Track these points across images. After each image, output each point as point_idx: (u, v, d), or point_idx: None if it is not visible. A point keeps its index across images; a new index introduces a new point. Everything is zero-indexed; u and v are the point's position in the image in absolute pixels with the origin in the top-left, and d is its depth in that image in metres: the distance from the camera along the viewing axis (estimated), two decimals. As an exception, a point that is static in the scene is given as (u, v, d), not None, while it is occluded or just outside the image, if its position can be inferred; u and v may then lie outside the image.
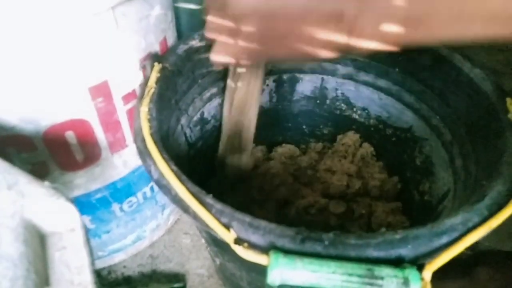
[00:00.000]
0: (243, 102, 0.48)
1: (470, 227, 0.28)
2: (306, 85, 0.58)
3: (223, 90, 0.52)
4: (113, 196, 0.49)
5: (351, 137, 0.60)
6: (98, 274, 0.57)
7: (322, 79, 0.56)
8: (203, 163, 0.52)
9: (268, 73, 0.55)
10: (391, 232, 0.27)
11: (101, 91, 0.39)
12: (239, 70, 0.44)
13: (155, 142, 0.32)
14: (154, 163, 0.31)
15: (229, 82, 0.47)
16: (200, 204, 0.28)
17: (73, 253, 0.26)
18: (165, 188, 0.30)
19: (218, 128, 0.55)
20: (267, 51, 0.29)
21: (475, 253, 0.48)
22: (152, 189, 0.54)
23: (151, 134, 0.33)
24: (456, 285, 0.45)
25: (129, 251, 0.59)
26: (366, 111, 0.57)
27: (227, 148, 0.52)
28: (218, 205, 0.27)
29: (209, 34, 0.31)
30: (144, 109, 0.35)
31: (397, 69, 0.50)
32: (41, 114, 0.37)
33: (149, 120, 0.34)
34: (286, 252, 0.26)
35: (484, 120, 0.39)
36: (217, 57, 0.32)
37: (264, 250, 0.26)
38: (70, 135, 0.40)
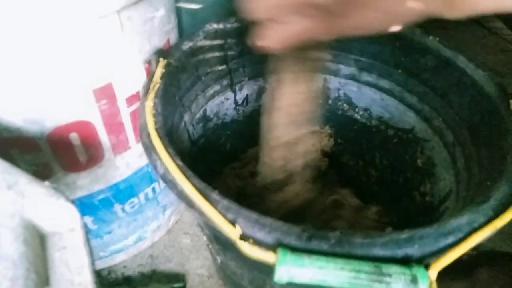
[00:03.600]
0: (293, 116, 0.35)
1: (475, 227, 0.28)
2: (309, 85, 0.58)
3: (225, 88, 0.52)
4: (116, 197, 0.49)
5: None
6: (98, 274, 0.57)
7: (325, 79, 0.56)
8: (205, 162, 0.51)
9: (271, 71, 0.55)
10: (398, 231, 0.27)
11: (105, 93, 0.39)
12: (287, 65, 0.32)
13: (161, 138, 0.32)
14: (160, 159, 0.30)
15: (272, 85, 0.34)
16: (206, 200, 0.28)
17: (73, 253, 0.26)
18: (171, 184, 0.29)
19: (220, 126, 0.55)
20: (336, 25, 0.23)
21: (476, 254, 0.48)
22: (153, 190, 0.54)
23: (156, 129, 0.33)
24: (458, 286, 0.45)
25: (130, 252, 0.59)
26: (368, 111, 0.57)
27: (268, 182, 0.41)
28: (224, 201, 0.27)
29: (252, 14, 0.25)
30: (149, 104, 0.35)
31: (400, 70, 0.50)
32: (46, 116, 0.37)
33: (154, 115, 0.34)
34: (292, 249, 0.26)
35: (487, 121, 0.39)
36: (265, 42, 0.25)
37: (270, 247, 0.26)
38: (74, 136, 0.40)
